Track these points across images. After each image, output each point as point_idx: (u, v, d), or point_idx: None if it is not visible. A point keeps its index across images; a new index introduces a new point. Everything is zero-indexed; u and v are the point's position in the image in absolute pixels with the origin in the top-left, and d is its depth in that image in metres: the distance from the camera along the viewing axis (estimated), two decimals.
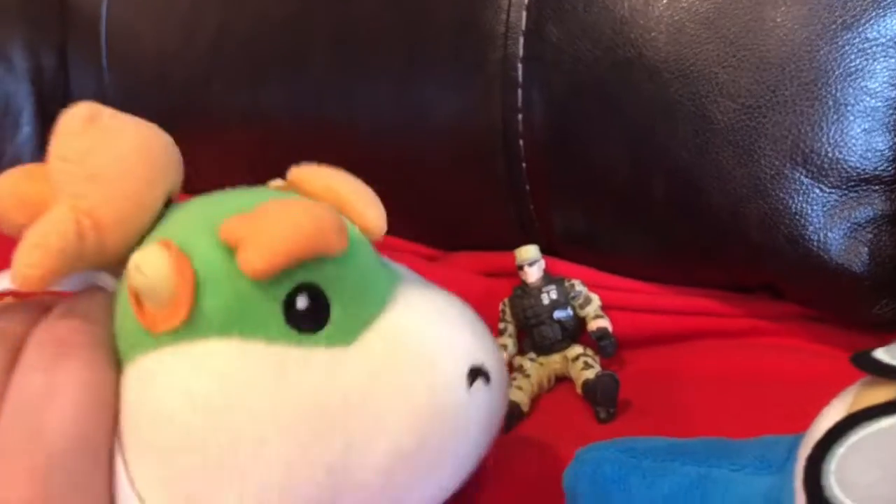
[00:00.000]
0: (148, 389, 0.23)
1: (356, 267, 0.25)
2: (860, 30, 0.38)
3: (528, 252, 0.44)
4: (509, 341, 0.44)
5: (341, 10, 0.53)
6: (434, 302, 0.27)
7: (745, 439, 0.26)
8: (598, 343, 0.42)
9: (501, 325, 0.45)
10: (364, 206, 0.26)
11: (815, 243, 0.39)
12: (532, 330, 0.43)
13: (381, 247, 0.28)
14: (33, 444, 0.22)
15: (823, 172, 0.39)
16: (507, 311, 0.45)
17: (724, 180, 0.40)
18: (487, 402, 0.26)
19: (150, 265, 0.23)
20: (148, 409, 0.23)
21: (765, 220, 0.40)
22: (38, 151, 0.71)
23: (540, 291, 0.43)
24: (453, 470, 0.26)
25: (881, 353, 0.22)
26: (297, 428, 0.23)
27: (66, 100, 0.56)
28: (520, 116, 0.46)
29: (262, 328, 0.23)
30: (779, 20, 0.39)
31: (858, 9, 0.38)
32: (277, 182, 0.28)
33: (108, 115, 0.25)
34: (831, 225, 0.39)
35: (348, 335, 0.24)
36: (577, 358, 0.42)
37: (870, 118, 0.38)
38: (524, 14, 0.45)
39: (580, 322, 0.44)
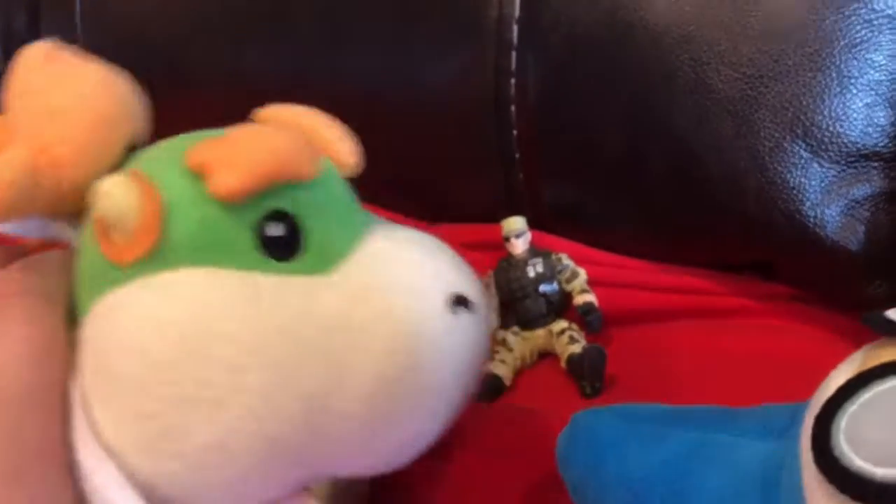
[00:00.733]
0: (116, 323, 0.23)
1: (331, 197, 0.25)
2: (867, 0, 0.37)
3: (515, 223, 0.43)
4: (493, 315, 0.43)
5: None
6: (412, 235, 0.27)
7: (746, 407, 0.25)
8: (584, 318, 0.42)
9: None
10: (337, 140, 0.26)
11: (812, 219, 0.39)
12: (517, 303, 0.43)
13: None
14: None
15: (823, 146, 0.38)
16: (492, 283, 0.44)
17: (723, 151, 0.39)
18: (470, 330, 0.26)
19: (116, 191, 0.22)
20: (117, 344, 0.22)
21: (762, 193, 0.39)
22: None
23: (526, 264, 0.43)
24: (438, 403, 0.25)
25: (893, 314, 0.22)
26: (275, 355, 0.22)
27: None
28: (513, 81, 0.45)
29: (233, 256, 0.23)
30: None
31: None
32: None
33: (68, 53, 0.25)
34: (828, 201, 0.39)
35: (326, 264, 0.24)
36: (562, 332, 0.41)
37: (873, 92, 0.38)
38: None
39: (566, 296, 0.43)
